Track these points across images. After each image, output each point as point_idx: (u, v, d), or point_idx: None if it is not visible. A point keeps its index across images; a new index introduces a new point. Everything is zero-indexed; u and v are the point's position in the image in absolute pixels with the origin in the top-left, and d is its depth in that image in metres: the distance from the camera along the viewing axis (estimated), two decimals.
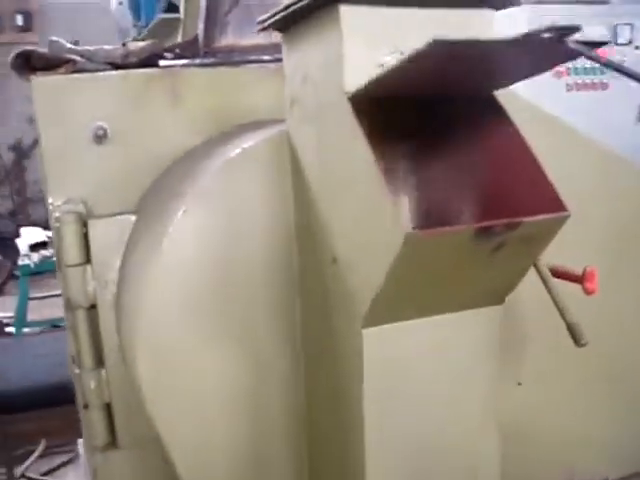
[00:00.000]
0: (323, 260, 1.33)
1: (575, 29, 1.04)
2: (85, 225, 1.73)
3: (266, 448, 1.58)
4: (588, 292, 1.69)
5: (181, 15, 2.15)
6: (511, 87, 1.36)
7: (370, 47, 1.19)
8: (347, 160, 1.20)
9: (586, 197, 1.74)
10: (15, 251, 5.29)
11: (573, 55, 1.16)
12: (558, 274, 1.78)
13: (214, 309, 1.48)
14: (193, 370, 1.49)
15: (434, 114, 1.40)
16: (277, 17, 1.30)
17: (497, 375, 1.38)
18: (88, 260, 1.75)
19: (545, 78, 4.38)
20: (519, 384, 1.84)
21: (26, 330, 4.77)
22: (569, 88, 4.67)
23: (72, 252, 1.74)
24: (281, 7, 1.28)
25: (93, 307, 1.78)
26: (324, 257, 1.32)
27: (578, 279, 1.70)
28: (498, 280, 1.27)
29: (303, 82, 1.34)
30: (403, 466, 1.29)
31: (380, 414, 1.27)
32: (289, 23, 1.34)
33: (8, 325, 5.07)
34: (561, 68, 4.63)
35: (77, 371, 1.84)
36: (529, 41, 1.03)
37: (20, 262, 5.01)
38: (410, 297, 1.20)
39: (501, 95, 1.54)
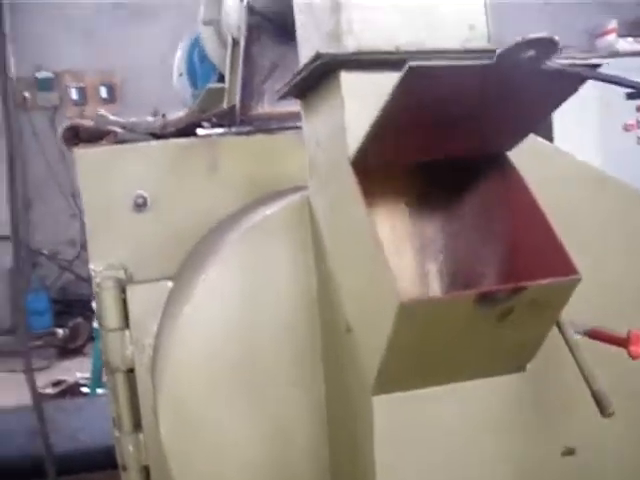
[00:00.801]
0: (339, 329, 1.32)
1: (553, 43, 0.99)
2: (124, 291, 1.79)
3: None
4: (634, 356, 1.61)
5: (226, 85, 2.22)
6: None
7: (372, 111, 1.19)
8: (350, 227, 1.20)
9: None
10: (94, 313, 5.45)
11: (578, 79, 1.09)
12: (600, 337, 1.71)
13: (236, 375, 1.48)
14: (214, 433, 1.49)
15: (455, 178, 1.40)
16: (290, 85, 1.33)
17: (522, 447, 1.33)
18: (127, 325, 1.80)
19: (616, 132, 4.32)
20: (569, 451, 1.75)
21: (100, 391, 4.89)
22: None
23: (111, 316, 1.79)
24: (293, 75, 1.31)
25: (131, 371, 1.82)
26: (340, 326, 1.32)
27: (622, 342, 1.63)
28: (513, 347, 1.23)
29: (316, 147, 1.35)
30: None
31: None
32: (303, 90, 1.36)
33: (84, 386, 5.21)
34: (631, 121, 4.54)
35: (117, 434, 1.87)
36: (504, 63, 1.00)
37: (95, 325, 5.17)
38: (418, 366, 1.18)
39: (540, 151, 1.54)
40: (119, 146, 1.86)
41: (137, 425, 1.84)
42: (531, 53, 0.98)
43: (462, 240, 1.42)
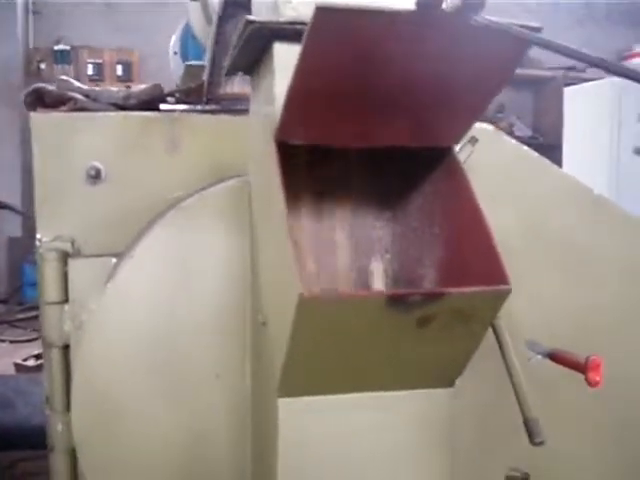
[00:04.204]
0: (259, 322, 1.24)
1: None
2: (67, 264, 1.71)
3: None
4: (591, 384, 1.52)
5: (205, 62, 2.14)
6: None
7: None
8: (271, 212, 1.11)
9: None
10: None
11: (515, 43, 0.96)
12: (560, 360, 1.61)
13: (156, 363, 1.40)
14: (127, 425, 1.41)
15: (404, 177, 1.31)
16: (230, 58, 1.24)
17: (446, 466, 1.22)
18: (66, 299, 1.72)
19: (627, 154, 4.19)
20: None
21: None
22: None
23: (50, 289, 1.72)
24: (232, 48, 1.22)
25: (67, 347, 1.74)
26: (259, 318, 1.23)
27: (580, 368, 1.53)
28: (438, 360, 1.13)
29: (255, 125, 1.27)
30: None
31: None
32: (249, 66, 1.28)
33: None
34: None
35: (48, 412, 1.80)
36: (426, 13, 0.89)
37: None
38: (327, 368, 1.08)
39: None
40: (76, 114, 1.77)
41: (69, 404, 1.76)
42: (456, 3, 0.88)
43: (407, 240, 1.33)
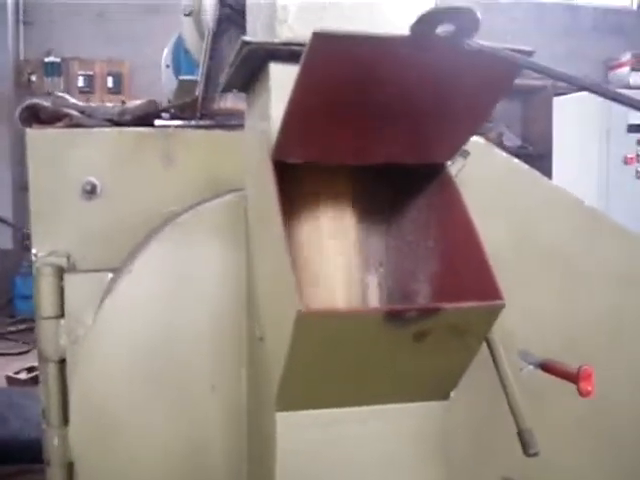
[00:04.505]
0: (255, 336, 1.25)
1: (474, 18, 0.89)
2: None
3: None
4: (583, 394, 1.54)
5: (198, 77, 2.16)
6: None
7: None
8: (267, 227, 1.13)
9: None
10: None
11: (508, 66, 0.99)
12: (552, 370, 1.63)
13: (153, 373, 1.41)
14: (126, 439, 1.42)
15: (399, 191, 1.33)
16: (226, 76, 1.26)
17: (442, 477, 1.24)
18: (62, 314, 1.73)
19: (616, 165, 4.24)
20: None
21: None
22: (639, 176, 4.48)
23: (46, 304, 1.72)
24: (228, 66, 1.24)
25: (63, 362, 1.75)
26: (256, 333, 1.25)
27: (572, 378, 1.55)
28: (434, 373, 1.15)
29: (251, 142, 1.29)
30: None
31: None
32: (245, 83, 1.30)
33: None
34: (631, 155, 4.46)
35: (45, 427, 1.80)
36: (421, 38, 0.91)
37: None
38: (325, 383, 1.10)
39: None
40: (72, 129, 1.79)
41: (65, 419, 1.77)
42: (450, 28, 0.90)
43: (401, 254, 1.35)
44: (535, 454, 1.25)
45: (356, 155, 1.15)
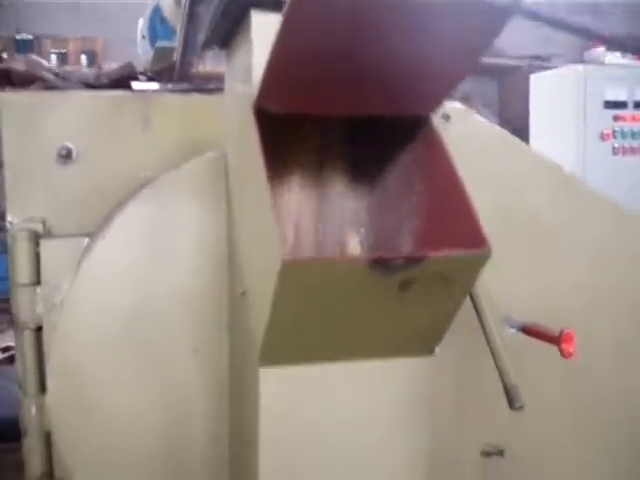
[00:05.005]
0: (237, 292, 1.23)
1: None
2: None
3: None
4: (565, 354, 1.54)
5: (176, 43, 2.12)
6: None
7: None
8: (250, 180, 1.11)
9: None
10: None
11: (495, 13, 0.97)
12: (534, 333, 1.63)
13: (132, 338, 1.39)
14: (105, 400, 1.40)
15: (381, 151, 1.31)
16: (208, 30, 1.24)
17: (427, 432, 1.23)
18: (38, 281, 1.70)
19: (592, 141, 4.24)
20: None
21: None
22: (615, 152, 4.51)
23: (22, 271, 1.69)
24: (210, 20, 1.21)
25: (39, 329, 1.72)
26: (238, 289, 1.23)
27: (554, 340, 1.55)
28: (418, 325, 1.14)
29: (231, 96, 1.26)
30: None
31: (276, 464, 1.14)
32: (224, 39, 1.27)
33: None
34: (607, 131, 4.48)
35: (22, 396, 1.77)
36: None
37: None
38: (309, 335, 1.08)
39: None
40: (46, 93, 1.75)
41: (42, 387, 1.74)
42: None
43: (384, 213, 1.33)
44: (520, 408, 1.25)
45: (340, 106, 1.14)
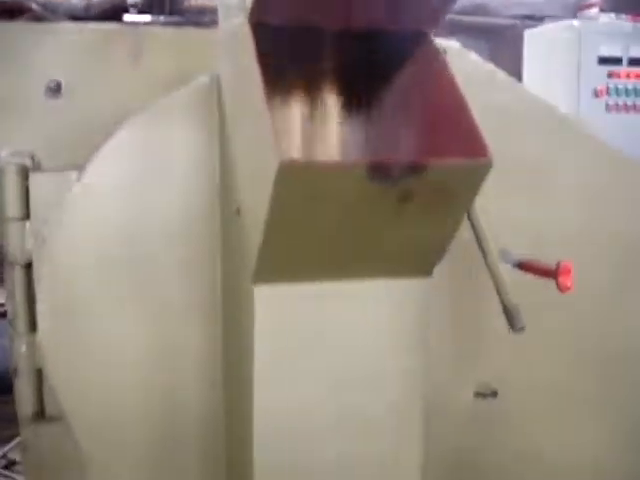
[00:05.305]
0: (232, 212, 1.21)
1: None
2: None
3: (180, 425, 1.44)
4: (562, 289, 1.53)
5: None
6: None
7: None
8: (245, 92, 1.08)
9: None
10: None
11: None
12: (530, 268, 1.62)
13: (123, 267, 1.36)
14: (98, 331, 1.37)
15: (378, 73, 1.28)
16: None
17: (423, 356, 1.22)
18: (28, 215, 1.67)
19: (586, 97, 4.19)
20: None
21: None
22: (609, 109, 4.48)
23: (12, 205, 1.66)
24: None
25: (29, 266, 1.69)
26: (232, 208, 1.20)
27: (551, 274, 1.54)
28: (416, 243, 1.11)
29: (225, 14, 1.23)
30: (291, 449, 1.14)
31: (270, 384, 1.12)
32: None
33: None
34: (601, 87, 4.44)
35: (11, 335, 1.75)
36: None
37: None
38: (305, 252, 1.06)
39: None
40: (34, 24, 1.71)
41: (32, 325, 1.71)
42: None
43: (382, 136, 1.30)
44: (521, 329, 1.23)
45: (336, 18, 1.10)
